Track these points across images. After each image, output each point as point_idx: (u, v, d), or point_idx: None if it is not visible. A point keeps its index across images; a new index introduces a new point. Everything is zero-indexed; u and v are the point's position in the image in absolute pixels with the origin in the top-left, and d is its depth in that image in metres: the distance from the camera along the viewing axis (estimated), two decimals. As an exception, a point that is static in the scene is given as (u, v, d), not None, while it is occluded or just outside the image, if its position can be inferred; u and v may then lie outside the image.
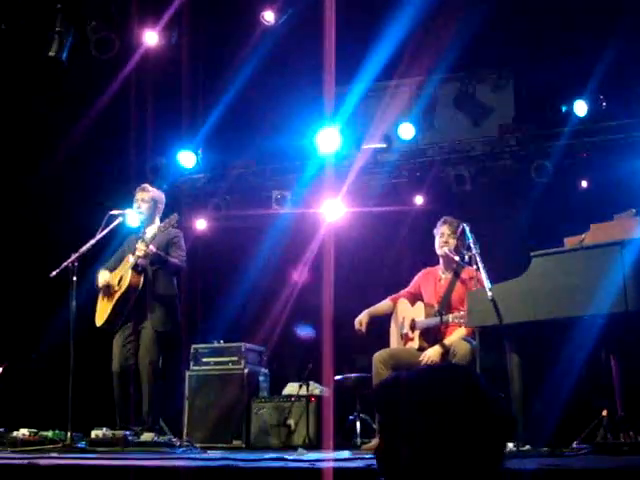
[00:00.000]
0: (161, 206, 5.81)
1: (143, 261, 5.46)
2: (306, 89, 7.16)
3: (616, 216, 4.52)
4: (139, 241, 5.43)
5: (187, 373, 6.72)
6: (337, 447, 5.53)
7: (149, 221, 5.71)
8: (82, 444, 4.96)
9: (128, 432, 5.22)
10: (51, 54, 6.34)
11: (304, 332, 5.17)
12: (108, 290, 5.61)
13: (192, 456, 4.15)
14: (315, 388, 6.46)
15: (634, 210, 4.46)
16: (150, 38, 6.66)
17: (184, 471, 3.22)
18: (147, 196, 5.72)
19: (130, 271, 5.46)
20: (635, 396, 4.38)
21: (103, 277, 5.63)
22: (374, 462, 3.24)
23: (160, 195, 5.86)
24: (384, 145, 7.48)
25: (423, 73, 7.15)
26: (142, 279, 5.48)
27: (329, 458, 3.68)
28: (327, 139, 7.36)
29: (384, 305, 5.76)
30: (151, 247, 5.40)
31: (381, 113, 7.48)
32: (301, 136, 7.62)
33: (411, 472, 1.44)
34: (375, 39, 6.47)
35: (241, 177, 8.14)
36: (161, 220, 5.71)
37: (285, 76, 7.36)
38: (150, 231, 5.58)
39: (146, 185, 5.81)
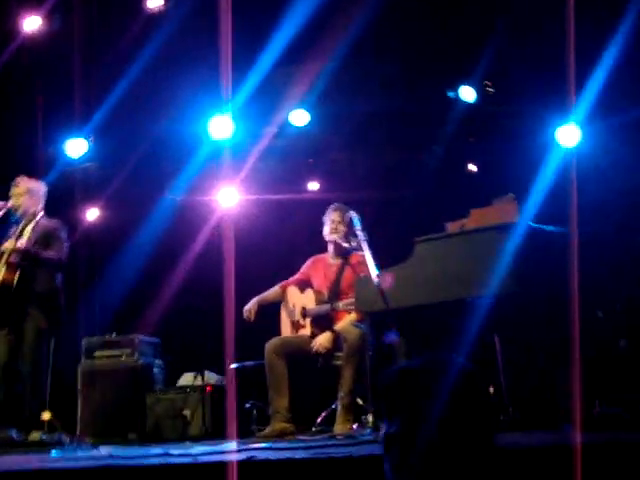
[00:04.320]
0: (36, 197, 5.64)
1: (14, 257, 5.31)
2: (201, 75, 7.02)
3: (495, 201, 4.64)
4: (8, 238, 5.29)
5: (79, 367, 6.55)
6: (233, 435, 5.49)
7: (27, 213, 5.55)
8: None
9: (14, 431, 5.09)
10: None
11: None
12: None
13: (75, 455, 4.06)
14: (211, 378, 6.41)
15: (513, 195, 4.59)
16: (30, 23, 6.37)
17: (62, 473, 3.13)
18: (19, 190, 5.58)
19: (3, 268, 5.32)
20: (515, 373, 4.53)
21: None
22: (255, 454, 3.24)
23: (34, 186, 5.69)
24: (276, 130, 7.45)
25: (319, 60, 7.10)
26: (17, 275, 5.31)
27: (214, 451, 3.67)
28: (220, 125, 7.26)
29: (273, 292, 5.77)
30: (20, 243, 5.26)
31: (277, 99, 7.42)
32: (195, 123, 7.49)
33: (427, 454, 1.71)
34: (273, 24, 6.40)
35: (134, 165, 7.95)
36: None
37: (179, 62, 7.20)
38: (25, 224, 5.45)
39: (18, 178, 5.65)
